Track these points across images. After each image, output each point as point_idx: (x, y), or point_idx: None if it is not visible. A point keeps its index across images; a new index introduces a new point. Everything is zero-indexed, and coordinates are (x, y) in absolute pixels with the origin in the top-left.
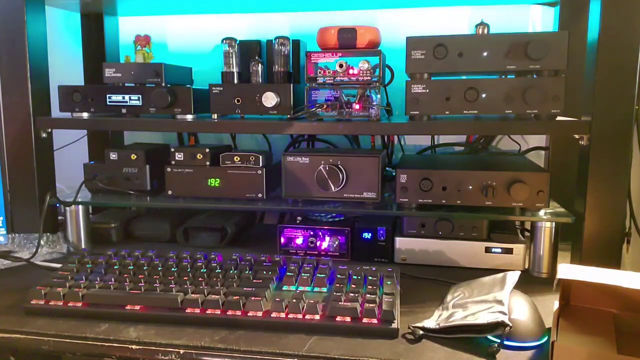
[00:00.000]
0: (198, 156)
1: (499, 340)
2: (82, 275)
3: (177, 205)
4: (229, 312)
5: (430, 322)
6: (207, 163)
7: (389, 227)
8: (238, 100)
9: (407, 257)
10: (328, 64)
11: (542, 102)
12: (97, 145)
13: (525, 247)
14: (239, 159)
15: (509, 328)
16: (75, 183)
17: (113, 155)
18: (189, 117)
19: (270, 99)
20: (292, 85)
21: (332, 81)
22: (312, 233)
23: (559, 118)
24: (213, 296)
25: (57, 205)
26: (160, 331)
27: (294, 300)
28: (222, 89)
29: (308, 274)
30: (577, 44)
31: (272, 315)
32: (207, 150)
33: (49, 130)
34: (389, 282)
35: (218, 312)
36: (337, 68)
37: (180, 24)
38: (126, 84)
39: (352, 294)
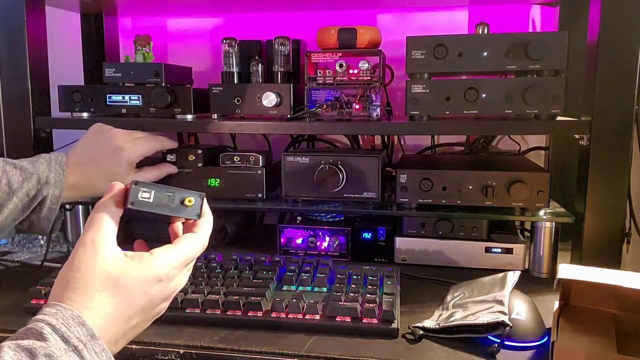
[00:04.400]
0: (190, 157)
1: (499, 340)
2: None
3: None
4: (229, 312)
5: (430, 322)
6: (200, 164)
7: (389, 227)
8: (238, 100)
9: (407, 257)
10: (328, 64)
11: (542, 102)
12: None
13: (525, 247)
14: (238, 159)
15: (509, 328)
16: None
17: None
18: (189, 117)
19: (270, 99)
20: (292, 85)
21: (332, 81)
22: (312, 233)
23: (559, 118)
24: (213, 296)
25: None
26: (160, 331)
27: (294, 300)
28: (222, 89)
29: (308, 274)
30: (577, 44)
31: (272, 315)
32: (200, 151)
33: (49, 130)
34: (389, 282)
35: (218, 312)
36: (337, 68)
37: (180, 24)
38: (126, 84)
39: (352, 294)
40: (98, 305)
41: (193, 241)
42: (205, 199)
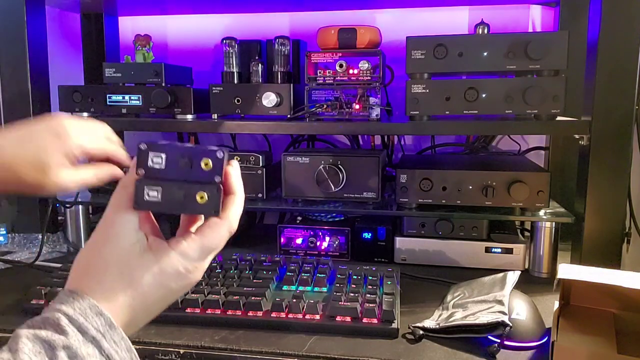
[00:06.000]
0: None
1: (499, 340)
2: None
3: None
4: (229, 312)
5: (430, 322)
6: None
7: (389, 227)
8: (238, 100)
9: (407, 257)
10: (328, 64)
11: (542, 102)
12: None
13: (525, 247)
14: (239, 159)
15: (509, 328)
16: None
17: None
18: (189, 117)
19: (270, 99)
20: (292, 85)
21: (332, 81)
22: (312, 233)
23: (559, 118)
24: (213, 296)
25: (57, 205)
26: (160, 331)
27: (294, 300)
28: (222, 89)
29: (308, 274)
30: (577, 44)
31: (272, 315)
32: None
33: None
34: (389, 282)
35: (218, 312)
36: (337, 68)
37: (180, 24)
38: (126, 84)
39: (352, 294)
40: (115, 296)
41: (217, 228)
42: (221, 191)
